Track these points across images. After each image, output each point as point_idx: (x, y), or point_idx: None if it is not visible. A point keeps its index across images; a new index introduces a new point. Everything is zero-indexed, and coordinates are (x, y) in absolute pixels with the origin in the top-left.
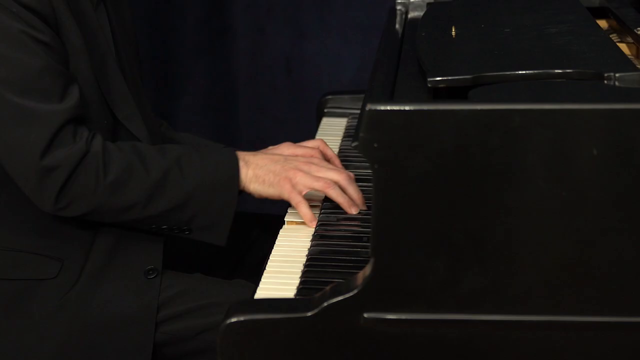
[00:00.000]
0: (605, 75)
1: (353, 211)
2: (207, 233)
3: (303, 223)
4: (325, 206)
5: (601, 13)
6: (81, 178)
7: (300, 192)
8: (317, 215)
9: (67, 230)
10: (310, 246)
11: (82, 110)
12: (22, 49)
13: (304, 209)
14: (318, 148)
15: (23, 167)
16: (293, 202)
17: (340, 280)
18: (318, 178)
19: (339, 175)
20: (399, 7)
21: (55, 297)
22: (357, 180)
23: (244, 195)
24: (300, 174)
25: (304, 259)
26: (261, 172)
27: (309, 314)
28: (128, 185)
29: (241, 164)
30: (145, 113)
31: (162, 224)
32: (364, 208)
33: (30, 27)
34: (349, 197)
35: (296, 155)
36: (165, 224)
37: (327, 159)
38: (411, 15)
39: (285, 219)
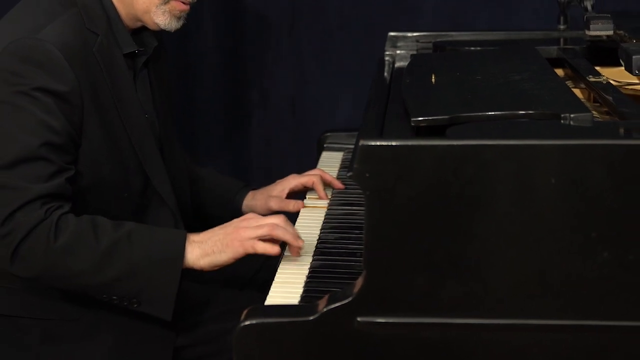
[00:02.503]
0: (562, 115)
1: (300, 243)
2: (155, 306)
3: (305, 244)
4: (325, 227)
5: (558, 63)
6: (32, 241)
7: (252, 240)
8: (318, 234)
9: None
10: (312, 261)
11: (64, 192)
12: (31, 132)
13: (261, 247)
14: (318, 175)
15: None
16: (251, 251)
17: (338, 290)
18: (261, 226)
19: (277, 219)
20: (387, 58)
21: (84, 326)
22: (352, 204)
23: None
24: (242, 230)
25: (307, 272)
26: (206, 246)
27: (311, 318)
28: (77, 250)
29: (187, 245)
30: (175, 166)
31: (112, 294)
32: (300, 244)
33: (47, 112)
34: (291, 232)
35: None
36: (114, 294)
37: (327, 183)
38: (397, 64)
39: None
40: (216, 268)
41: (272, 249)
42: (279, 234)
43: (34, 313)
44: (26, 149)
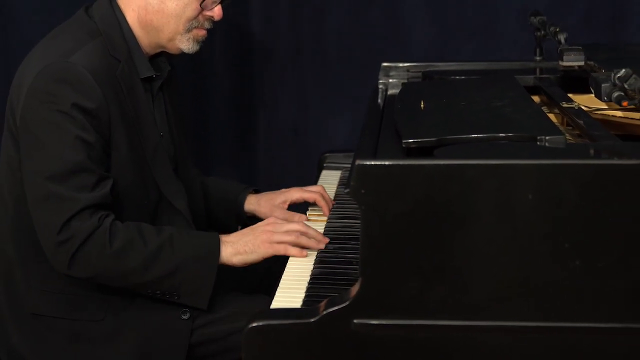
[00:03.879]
0: (538, 138)
1: (321, 246)
2: (192, 298)
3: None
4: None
5: (535, 90)
6: (90, 247)
7: (280, 244)
8: None
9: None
10: (313, 269)
11: (106, 201)
12: (71, 148)
13: (292, 251)
14: (320, 192)
15: (45, 239)
16: (281, 253)
17: (336, 295)
18: (289, 232)
19: (298, 225)
20: (380, 86)
21: (105, 331)
22: (348, 218)
23: None
24: (272, 234)
25: (308, 279)
26: (238, 246)
27: (312, 320)
28: (129, 254)
29: (221, 245)
30: (188, 181)
31: (156, 290)
32: (327, 240)
33: (82, 129)
34: (313, 237)
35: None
36: (159, 289)
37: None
38: (390, 92)
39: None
40: (246, 265)
41: (300, 254)
42: (303, 242)
43: (62, 313)
44: (71, 162)
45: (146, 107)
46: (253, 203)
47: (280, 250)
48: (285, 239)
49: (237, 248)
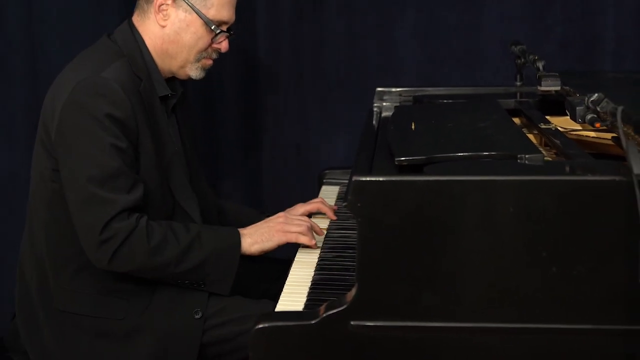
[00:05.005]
0: (518, 156)
1: (333, 245)
2: (216, 286)
3: (307, 264)
4: (324, 247)
5: (516, 113)
6: (131, 244)
7: (293, 233)
8: (319, 253)
9: (131, 280)
10: (314, 275)
11: (140, 203)
12: (107, 154)
13: (303, 239)
14: (320, 201)
15: (88, 238)
16: (292, 240)
17: (335, 299)
18: (299, 224)
19: (308, 222)
20: (375, 109)
21: (125, 328)
22: (346, 228)
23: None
24: (285, 225)
25: (310, 284)
26: (255, 236)
27: (313, 322)
28: (164, 250)
29: (242, 237)
30: (200, 192)
31: (185, 280)
32: (322, 233)
33: (116, 137)
34: (315, 230)
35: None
36: (187, 279)
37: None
38: (384, 114)
39: (295, 259)
40: (263, 253)
41: (310, 242)
42: (315, 229)
43: (87, 311)
44: (108, 167)
45: (163, 122)
46: None
47: (292, 238)
48: (297, 229)
49: (254, 238)
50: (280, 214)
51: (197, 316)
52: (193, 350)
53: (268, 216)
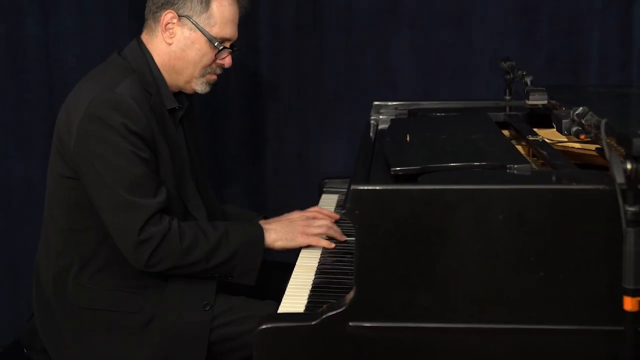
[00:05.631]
0: (508, 166)
1: (343, 238)
2: (243, 278)
3: (308, 268)
4: (324, 252)
5: (505, 125)
6: (166, 246)
7: (314, 236)
8: (319, 258)
9: (147, 277)
10: (314, 279)
11: (167, 204)
12: (131, 162)
13: (321, 242)
14: (317, 209)
15: (126, 240)
16: (313, 244)
17: (334, 301)
18: (320, 226)
19: (327, 221)
20: (372, 122)
21: (140, 321)
22: (345, 235)
23: (271, 251)
24: (307, 227)
25: (310, 287)
26: (280, 233)
27: (313, 322)
28: (196, 249)
29: (265, 232)
30: (207, 199)
31: (214, 274)
32: (344, 238)
33: (136, 147)
34: (335, 232)
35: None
36: (216, 273)
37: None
38: (380, 127)
39: (296, 264)
40: (285, 249)
41: (330, 245)
42: (332, 233)
43: (104, 306)
44: (134, 174)
45: (172, 133)
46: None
47: (314, 241)
48: (318, 232)
49: (279, 235)
50: (296, 212)
51: (206, 309)
52: (203, 340)
53: (265, 217)
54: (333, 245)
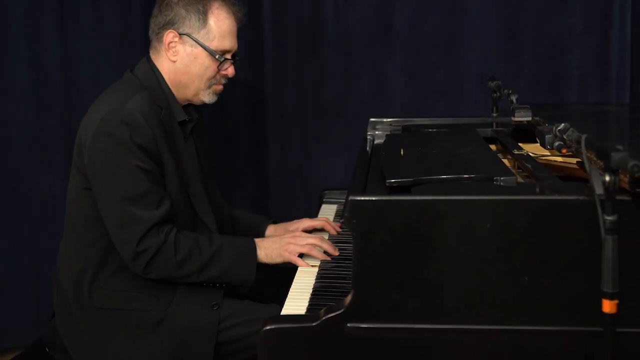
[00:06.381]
0: (494, 178)
1: (331, 256)
2: (238, 287)
3: (309, 273)
4: (322, 262)
5: (492, 140)
6: (161, 257)
7: (295, 255)
8: (319, 264)
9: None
10: (315, 283)
11: (169, 214)
12: (135, 177)
13: (299, 262)
14: (326, 220)
15: (125, 251)
16: (292, 262)
17: (333, 304)
18: (303, 245)
19: (315, 240)
20: (369, 137)
21: (153, 319)
22: (343, 242)
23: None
24: (291, 246)
25: (311, 291)
26: (268, 251)
27: (314, 324)
28: (189, 261)
29: (257, 249)
30: (216, 205)
31: (209, 284)
32: (337, 253)
33: (140, 160)
34: (326, 249)
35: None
36: (210, 283)
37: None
38: (376, 142)
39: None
40: (273, 264)
41: (303, 264)
42: (314, 254)
43: (120, 305)
44: (138, 187)
45: (182, 145)
46: (271, 230)
47: (293, 260)
48: (300, 251)
49: (267, 252)
50: (296, 233)
51: (214, 308)
52: (211, 338)
53: (274, 222)
54: (305, 264)
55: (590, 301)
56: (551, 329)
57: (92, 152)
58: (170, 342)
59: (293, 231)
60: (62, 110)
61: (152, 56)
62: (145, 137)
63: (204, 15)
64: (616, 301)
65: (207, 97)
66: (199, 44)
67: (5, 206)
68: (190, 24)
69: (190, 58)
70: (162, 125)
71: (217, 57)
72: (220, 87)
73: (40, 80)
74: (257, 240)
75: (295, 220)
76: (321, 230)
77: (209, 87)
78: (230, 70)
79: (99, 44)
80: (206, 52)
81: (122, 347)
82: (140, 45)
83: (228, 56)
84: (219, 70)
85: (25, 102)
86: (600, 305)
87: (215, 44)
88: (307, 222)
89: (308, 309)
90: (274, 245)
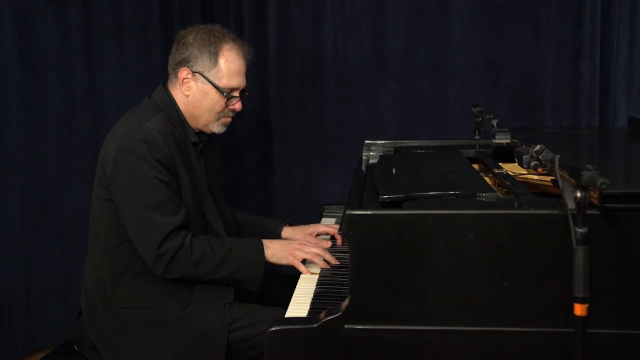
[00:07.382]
0: (477, 194)
1: (335, 262)
2: (248, 285)
3: (310, 279)
4: (322, 269)
5: (475, 160)
6: (179, 259)
7: (299, 260)
8: (319, 271)
9: (176, 280)
10: (315, 288)
11: (186, 221)
12: (154, 187)
13: (301, 267)
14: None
15: (147, 253)
16: (295, 266)
17: (332, 307)
18: (307, 252)
19: (318, 249)
20: (364, 157)
21: (172, 317)
22: (341, 252)
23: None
24: (297, 252)
25: (312, 296)
26: (275, 252)
27: (315, 325)
28: (203, 262)
29: (265, 249)
30: (224, 215)
31: (222, 282)
32: (337, 262)
33: (159, 173)
34: (327, 259)
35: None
36: (224, 281)
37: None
38: (371, 161)
39: (300, 276)
40: (278, 264)
41: (304, 270)
42: (316, 261)
43: (142, 304)
44: (158, 196)
45: (195, 162)
46: (289, 233)
47: (295, 264)
48: (303, 256)
49: (274, 253)
50: (303, 240)
51: (226, 307)
52: (223, 334)
53: (290, 224)
54: (305, 270)
55: (563, 305)
56: (529, 330)
57: (115, 166)
58: (187, 339)
59: (310, 233)
60: (88, 133)
61: (169, 86)
62: (163, 153)
63: (214, 56)
64: (586, 305)
65: (217, 128)
66: (209, 81)
67: (37, 218)
68: (202, 63)
69: (201, 94)
70: (177, 143)
71: (224, 94)
72: (229, 120)
73: (69, 107)
74: (265, 241)
75: (312, 224)
76: (332, 237)
77: (218, 119)
78: (237, 106)
79: (123, 76)
80: (215, 89)
81: (144, 343)
82: (162, 76)
83: (236, 93)
84: (227, 105)
85: (56, 125)
86: (572, 308)
87: (224, 82)
88: (322, 227)
89: (309, 312)
90: (282, 247)
